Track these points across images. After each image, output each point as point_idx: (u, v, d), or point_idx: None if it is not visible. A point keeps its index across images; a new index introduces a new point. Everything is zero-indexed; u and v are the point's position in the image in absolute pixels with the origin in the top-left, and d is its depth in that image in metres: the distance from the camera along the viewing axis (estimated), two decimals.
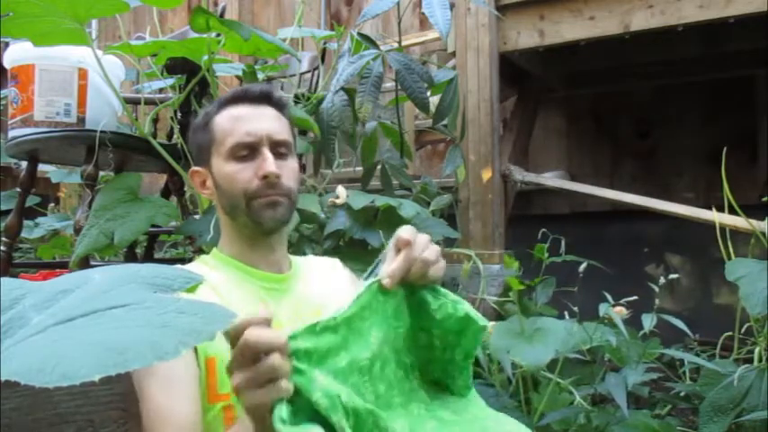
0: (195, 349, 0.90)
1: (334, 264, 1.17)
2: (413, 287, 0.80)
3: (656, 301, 1.54)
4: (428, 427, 0.76)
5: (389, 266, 0.77)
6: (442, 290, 0.82)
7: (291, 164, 1.05)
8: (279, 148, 1.03)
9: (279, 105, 1.07)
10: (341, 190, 1.78)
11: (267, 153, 1.00)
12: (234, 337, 0.63)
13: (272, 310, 0.66)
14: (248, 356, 0.61)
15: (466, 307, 0.80)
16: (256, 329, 0.62)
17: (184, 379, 0.88)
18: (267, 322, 0.63)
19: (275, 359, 0.61)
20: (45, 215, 3.06)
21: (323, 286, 1.07)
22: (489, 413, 0.83)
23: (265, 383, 0.61)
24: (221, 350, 0.90)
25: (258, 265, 1.03)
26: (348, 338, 0.72)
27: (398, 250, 0.78)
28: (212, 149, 1.04)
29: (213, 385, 0.91)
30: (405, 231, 0.79)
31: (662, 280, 1.54)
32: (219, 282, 0.99)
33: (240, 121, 1.02)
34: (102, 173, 1.96)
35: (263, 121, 1.03)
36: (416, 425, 0.75)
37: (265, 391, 0.61)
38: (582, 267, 1.61)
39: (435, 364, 0.83)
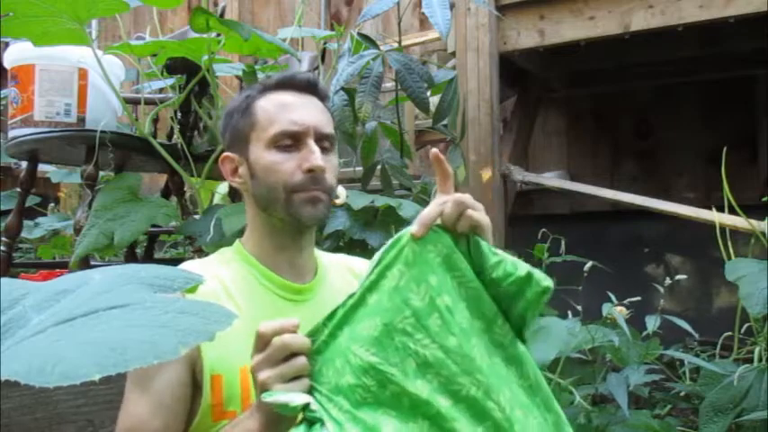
0: (202, 368, 0.87)
1: (350, 266, 1.09)
2: (465, 238, 0.76)
3: (662, 301, 1.54)
4: (506, 394, 0.73)
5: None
6: (500, 251, 0.77)
7: (333, 160, 0.98)
8: (323, 142, 0.96)
9: (323, 97, 1.01)
10: (341, 190, 1.78)
11: (314, 145, 0.94)
12: (263, 337, 0.73)
13: (297, 321, 0.74)
14: (280, 356, 0.72)
15: (528, 267, 0.75)
16: (290, 334, 0.73)
17: (171, 404, 0.86)
18: (296, 328, 0.74)
19: (303, 360, 0.72)
20: (45, 215, 3.06)
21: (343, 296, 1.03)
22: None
23: (291, 380, 0.71)
24: (228, 368, 0.87)
25: (281, 269, 0.97)
26: (380, 302, 0.73)
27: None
28: (252, 136, 0.97)
29: (219, 403, 0.87)
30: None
31: (668, 281, 1.54)
32: (233, 283, 0.94)
33: (286, 109, 0.95)
34: (102, 173, 1.96)
35: (309, 111, 0.97)
36: (500, 385, 0.73)
37: (290, 386, 0.71)
38: (587, 267, 1.61)
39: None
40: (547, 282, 0.75)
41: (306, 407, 0.70)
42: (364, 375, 0.71)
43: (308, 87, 0.99)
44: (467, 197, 0.77)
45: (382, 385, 0.70)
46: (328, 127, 0.98)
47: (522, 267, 0.75)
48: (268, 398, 0.70)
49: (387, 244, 0.75)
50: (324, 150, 0.95)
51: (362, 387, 0.71)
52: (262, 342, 0.73)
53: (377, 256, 0.75)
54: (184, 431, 0.88)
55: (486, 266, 0.76)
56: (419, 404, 0.70)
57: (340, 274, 1.05)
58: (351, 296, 0.75)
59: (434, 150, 0.79)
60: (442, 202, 0.76)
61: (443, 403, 0.71)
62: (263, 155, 0.95)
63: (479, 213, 0.77)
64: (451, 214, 0.75)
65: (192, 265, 0.98)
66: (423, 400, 0.70)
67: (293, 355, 0.72)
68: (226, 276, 0.95)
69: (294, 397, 0.70)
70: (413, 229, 0.75)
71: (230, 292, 0.93)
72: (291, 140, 0.94)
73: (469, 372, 0.72)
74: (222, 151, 1.04)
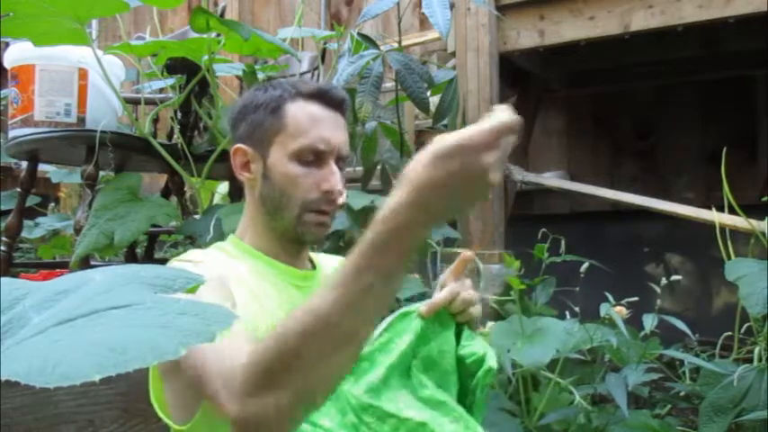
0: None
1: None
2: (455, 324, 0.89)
3: (658, 301, 1.54)
4: None
5: (433, 298, 0.87)
6: (474, 335, 0.91)
7: (343, 179, 1.02)
8: (339, 162, 0.99)
9: (345, 115, 1.04)
10: None
11: (335, 167, 0.97)
12: (501, 131, 0.70)
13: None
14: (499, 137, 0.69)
15: (487, 348, 0.87)
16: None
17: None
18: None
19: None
20: (45, 215, 3.06)
21: None
22: None
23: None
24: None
25: (281, 259, 1.00)
26: (388, 360, 0.83)
27: (441, 287, 0.90)
28: (276, 138, 0.97)
29: None
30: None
31: (663, 281, 1.54)
32: (244, 272, 0.94)
33: (318, 124, 0.97)
34: (102, 173, 1.96)
35: (337, 131, 0.99)
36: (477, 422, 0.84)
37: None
38: (584, 267, 1.61)
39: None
40: (492, 362, 0.87)
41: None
42: (364, 414, 0.81)
43: (340, 106, 1.01)
44: (472, 295, 0.89)
45: (381, 420, 0.80)
46: (346, 148, 1.01)
47: (483, 348, 0.88)
48: None
49: (396, 313, 0.87)
50: (339, 171, 0.99)
51: (365, 424, 0.80)
52: (500, 134, 0.69)
53: (386, 321, 0.86)
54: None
55: (459, 344, 0.89)
56: (416, 428, 0.79)
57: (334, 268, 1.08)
58: None
59: (469, 253, 0.92)
60: (453, 293, 0.87)
61: (438, 424, 0.80)
62: (284, 162, 0.97)
63: (477, 310, 0.90)
64: (457, 307, 0.88)
65: (196, 254, 0.98)
66: (419, 422, 0.79)
67: None
68: (229, 263, 0.95)
69: None
70: (423, 309, 0.86)
71: (238, 275, 0.93)
72: (315, 157, 0.97)
73: (447, 413, 0.82)
74: (223, 149, 1.04)
